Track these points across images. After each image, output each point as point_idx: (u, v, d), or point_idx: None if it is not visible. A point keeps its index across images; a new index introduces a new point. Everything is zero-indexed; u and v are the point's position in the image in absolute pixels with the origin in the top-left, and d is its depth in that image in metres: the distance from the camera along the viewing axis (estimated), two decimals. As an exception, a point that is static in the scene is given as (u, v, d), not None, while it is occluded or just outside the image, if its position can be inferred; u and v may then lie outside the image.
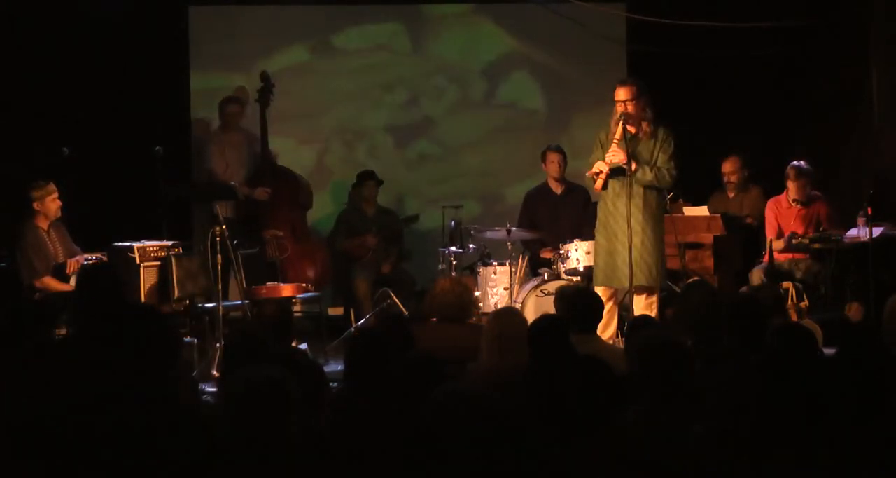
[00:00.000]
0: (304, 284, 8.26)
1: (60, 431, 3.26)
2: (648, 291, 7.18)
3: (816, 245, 8.26)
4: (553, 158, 8.95)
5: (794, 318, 7.28)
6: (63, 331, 6.09)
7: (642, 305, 7.16)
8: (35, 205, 7.62)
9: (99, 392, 3.39)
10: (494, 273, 8.42)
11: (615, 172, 7.18)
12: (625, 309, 7.49)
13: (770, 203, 8.55)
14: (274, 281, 8.36)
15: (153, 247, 7.89)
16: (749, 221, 8.78)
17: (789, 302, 7.65)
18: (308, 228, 9.18)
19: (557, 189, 9.00)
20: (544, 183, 9.06)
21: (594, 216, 7.48)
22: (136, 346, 3.56)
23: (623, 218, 7.06)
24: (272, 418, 3.20)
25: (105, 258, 7.70)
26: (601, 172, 7.19)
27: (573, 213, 8.88)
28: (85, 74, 9.03)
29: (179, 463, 3.13)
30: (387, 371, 4.22)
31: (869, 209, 7.94)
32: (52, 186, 7.66)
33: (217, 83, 9.48)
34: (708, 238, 8.43)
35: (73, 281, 7.40)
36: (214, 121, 9.32)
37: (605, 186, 7.25)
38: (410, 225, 9.32)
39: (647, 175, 7.15)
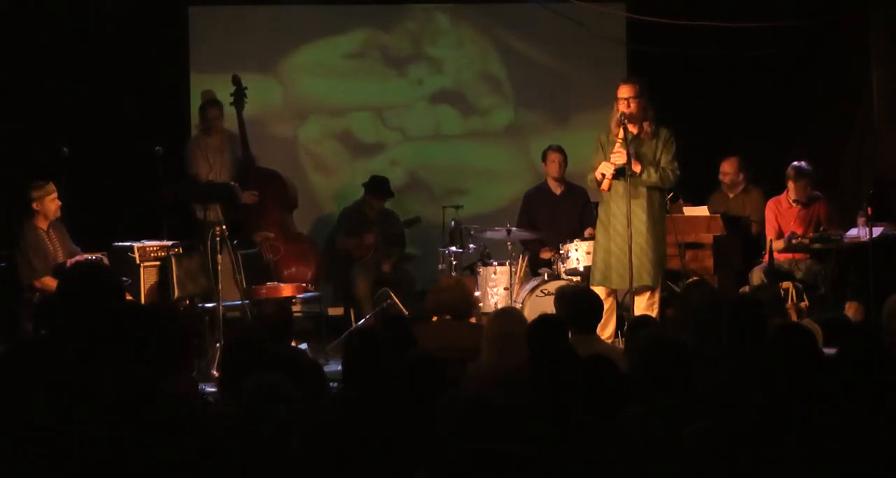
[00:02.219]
0: (304, 284, 8.25)
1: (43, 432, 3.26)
2: (650, 291, 7.17)
3: (816, 245, 8.26)
4: (553, 157, 8.94)
5: (794, 318, 7.28)
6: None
7: (643, 305, 7.16)
8: (34, 205, 7.61)
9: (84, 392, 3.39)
10: (494, 273, 8.41)
11: (618, 172, 7.17)
12: (625, 309, 7.48)
13: (770, 203, 8.55)
14: (272, 281, 8.35)
15: (153, 247, 7.89)
16: (752, 224, 8.77)
17: (789, 302, 7.66)
18: (296, 227, 9.15)
19: (557, 189, 8.99)
20: (543, 183, 9.06)
21: (593, 216, 7.47)
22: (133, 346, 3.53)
23: (627, 218, 7.05)
24: (275, 423, 3.21)
25: (105, 258, 7.70)
26: (607, 174, 7.17)
27: (572, 213, 8.88)
28: (85, 74, 9.03)
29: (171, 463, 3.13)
30: (385, 370, 4.22)
31: (869, 209, 7.93)
32: (52, 186, 7.66)
33: (217, 83, 9.46)
34: (708, 238, 8.42)
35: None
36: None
37: (610, 188, 7.24)
38: (412, 227, 9.30)
39: (652, 176, 7.14)
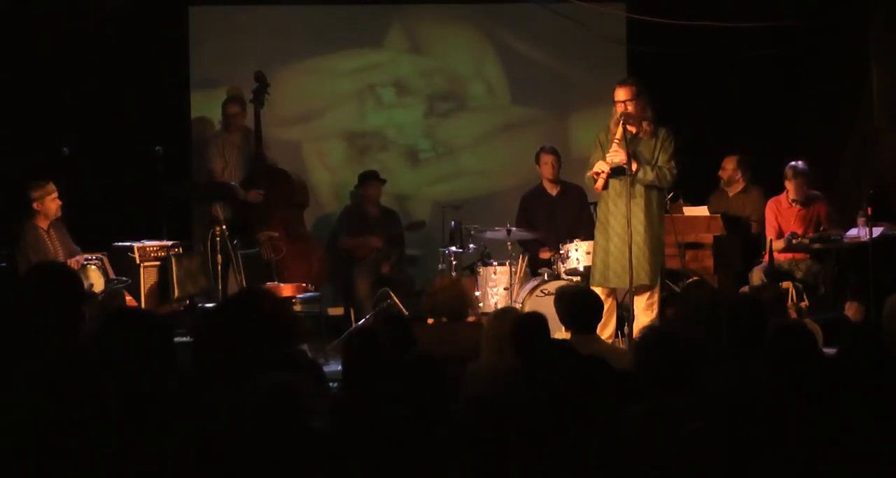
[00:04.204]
0: (304, 284, 8.25)
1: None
2: (649, 291, 7.17)
3: (816, 245, 8.27)
4: (546, 159, 8.93)
5: (794, 318, 7.28)
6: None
7: (643, 305, 7.16)
8: (35, 205, 7.62)
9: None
10: (494, 273, 8.41)
11: (616, 172, 7.17)
12: (625, 309, 7.48)
13: (770, 203, 8.56)
14: (272, 281, 8.35)
15: (153, 247, 7.90)
16: (752, 224, 8.77)
17: (789, 302, 7.65)
18: (303, 227, 9.14)
19: (552, 190, 8.98)
20: (539, 184, 9.05)
21: (591, 216, 7.46)
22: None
23: (625, 218, 7.05)
24: (286, 423, 3.21)
25: (105, 258, 7.71)
26: (602, 172, 7.18)
27: (569, 213, 8.87)
28: (85, 74, 9.02)
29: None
30: (385, 370, 4.22)
31: (869, 209, 7.94)
32: (52, 186, 7.66)
33: (217, 83, 9.47)
34: (708, 238, 8.43)
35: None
36: (216, 121, 9.30)
37: (605, 187, 7.23)
38: (417, 231, 9.29)
39: (649, 175, 7.14)
